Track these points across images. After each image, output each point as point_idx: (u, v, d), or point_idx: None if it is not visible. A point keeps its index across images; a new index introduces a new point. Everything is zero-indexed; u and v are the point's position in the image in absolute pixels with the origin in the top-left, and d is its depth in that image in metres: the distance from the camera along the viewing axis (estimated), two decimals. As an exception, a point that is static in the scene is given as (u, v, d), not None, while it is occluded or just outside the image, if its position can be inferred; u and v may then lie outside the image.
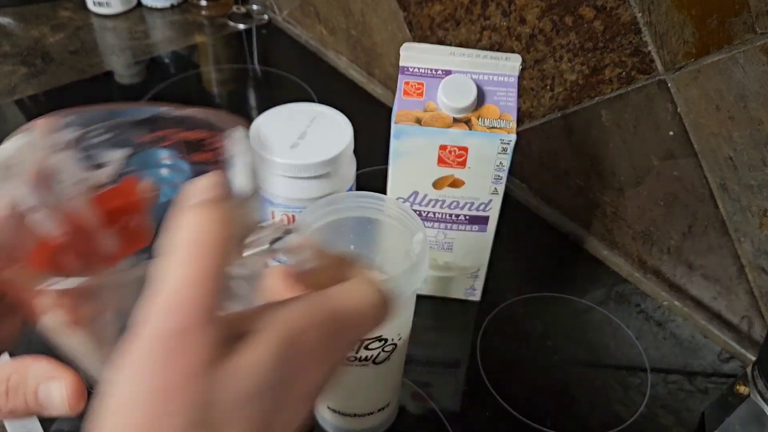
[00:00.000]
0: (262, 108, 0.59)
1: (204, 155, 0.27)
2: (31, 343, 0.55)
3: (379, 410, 0.49)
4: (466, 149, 0.49)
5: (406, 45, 0.51)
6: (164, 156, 0.29)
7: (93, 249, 0.28)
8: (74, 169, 0.27)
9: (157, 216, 0.27)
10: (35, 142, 0.26)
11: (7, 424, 0.51)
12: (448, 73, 0.50)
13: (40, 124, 0.26)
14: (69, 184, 0.27)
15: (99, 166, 0.27)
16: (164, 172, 0.29)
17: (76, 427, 0.51)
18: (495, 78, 0.50)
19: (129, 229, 0.29)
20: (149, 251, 0.28)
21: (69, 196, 0.27)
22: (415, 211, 0.51)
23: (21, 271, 0.23)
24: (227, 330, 0.23)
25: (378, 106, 0.86)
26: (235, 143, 0.26)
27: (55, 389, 0.27)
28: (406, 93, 0.50)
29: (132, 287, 0.22)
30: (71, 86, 0.86)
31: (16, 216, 0.25)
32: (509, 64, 0.50)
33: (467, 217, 0.54)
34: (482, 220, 0.54)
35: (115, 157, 0.27)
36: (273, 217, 0.57)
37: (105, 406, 0.22)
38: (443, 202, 0.53)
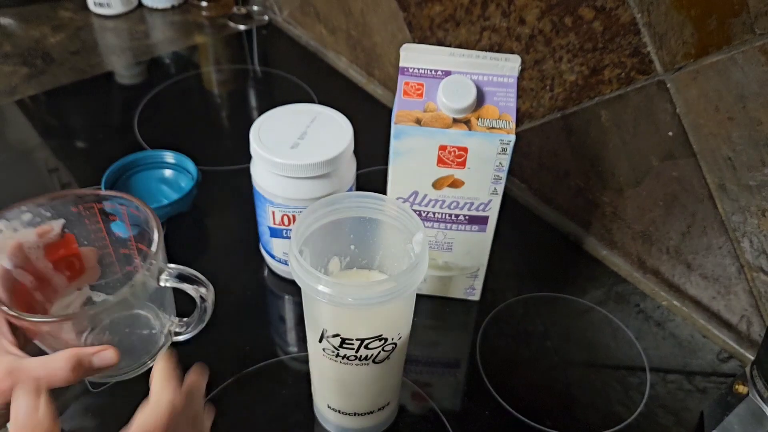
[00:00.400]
0: (262, 108, 0.59)
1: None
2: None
3: (379, 409, 0.49)
4: (465, 149, 0.50)
5: (406, 45, 0.51)
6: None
7: (50, 286, 0.43)
8: (32, 236, 0.42)
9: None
10: (4, 229, 0.41)
11: (8, 424, 0.51)
12: (447, 73, 0.50)
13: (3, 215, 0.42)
14: (31, 249, 0.42)
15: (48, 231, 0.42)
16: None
17: (77, 427, 0.51)
18: (494, 78, 0.50)
19: (72, 267, 0.44)
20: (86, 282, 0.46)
21: (32, 256, 0.42)
22: (415, 211, 0.52)
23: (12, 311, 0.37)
24: None
25: (378, 106, 0.86)
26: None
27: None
28: (406, 93, 0.50)
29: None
30: (72, 86, 0.86)
31: (5, 275, 0.39)
32: (509, 65, 0.50)
33: (467, 217, 0.54)
34: (482, 220, 0.54)
35: (57, 224, 0.43)
36: (273, 218, 0.57)
37: None
38: (443, 202, 0.53)
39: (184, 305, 0.45)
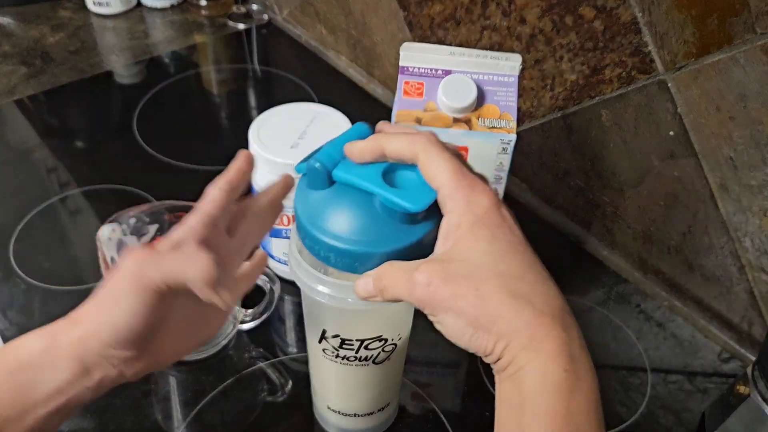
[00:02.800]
0: (262, 108, 0.59)
1: None
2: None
3: (379, 410, 0.49)
4: (466, 149, 0.49)
5: (406, 45, 0.51)
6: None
7: None
8: (134, 240, 0.51)
9: None
10: (116, 229, 0.51)
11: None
12: (448, 73, 0.50)
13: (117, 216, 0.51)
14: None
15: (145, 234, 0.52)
16: None
17: (77, 427, 0.51)
18: (495, 78, 0.50)
19: None
20: None
21: None
22: (415, 211, 0.51)
23: None
24: None
25: (378, 106, 0.86)
26: None
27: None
28: (406, 93, 0.50)
29: None
30: (71, 86, 0.86)
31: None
32: (509, 64, 0.50)
33: (467, 217, 0.54)
34: (482, 220, 0.54)
35: (152, 228, 0.52)
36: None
37: None
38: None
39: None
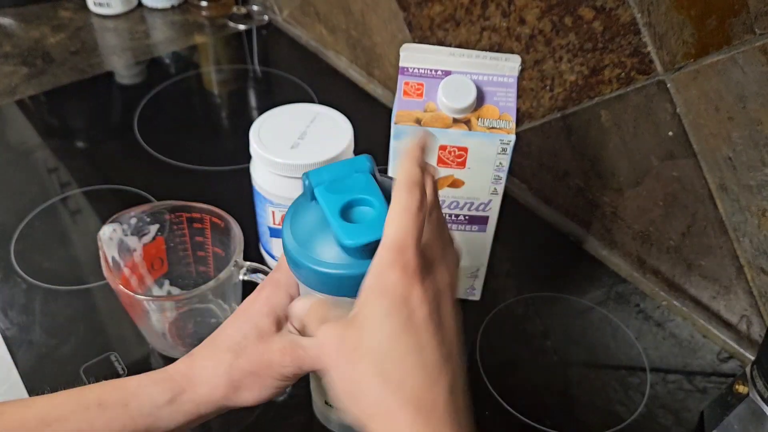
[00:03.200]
0: (262, 108, 0.59)
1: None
2: (31, 343, 0.55)
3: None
4: (465, 149, 0.50)
5: (405, 45, 0.51)
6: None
7: (141, 277, 0.55)
8: (135, 240, 0.53)
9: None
10: (117, 229, 0.51)
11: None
12: (447, 73, 0.50)
13: (118, 216, 0.51)
14: (132, 248, 0.53)
15: (145, 233, 0.53)
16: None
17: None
18: (494, 78, 0.50)
19: (157, 265, 0.56)
20: (167, 275, 0.58)
21: (134, 254, 0.53)
22: (415, 211, 0.51)
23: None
24: None
25: (378, 106, 0.86)
26: None
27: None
28: (406, 93, 0.50)
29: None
30: (72, 86, 0.86)
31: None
32: (509, 65, 0.50)
33: (467, 217, 0.54)
34: (482, 220, 0.54)
35: (153, 228, 0.54)
36: (273, 218, 0.57)
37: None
38: (443, 202, 0.53)
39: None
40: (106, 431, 0.36)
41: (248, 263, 0.52)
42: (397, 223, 0.32)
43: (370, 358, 0.31)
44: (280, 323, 0.39)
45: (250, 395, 0.38)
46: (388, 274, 0.31)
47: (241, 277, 0.52)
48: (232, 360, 0.38)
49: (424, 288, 0.32)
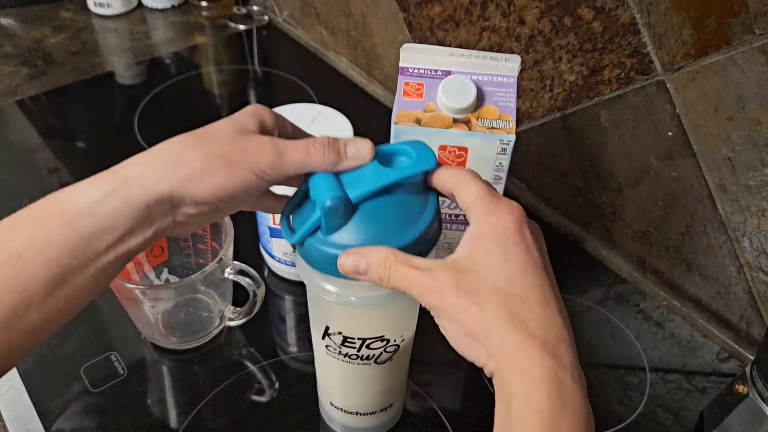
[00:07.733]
0: (263, 108, 0.59)
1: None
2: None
3: (381, 410, 0.49)
4: (465, 149, 0.50)
5: (405, 46, 0.51)
6: None
7: (140, 265, 0.57)
8: None
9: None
10: None
11: (8, 423, 0.51)
12: (447, 73, 0.50)
13: None
14: None
15: None
16: None
17: (77, 426, 0.51)
18: (494, 79, 0.50)
19: (157, 252, 0.57)
20: (167, 263, 0.59)
21: None
22: (415, 211, 0.51)
23: None
24: None
25: (378, 106, 0.86)
26: None
27: (362, 144, 0.38)
28: (406, 93, 0.50)
29: None
30: (72, 87, 0.86)
31: None
32: (508, 65, 0.50)
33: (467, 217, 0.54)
34: (482, 220, 0.54)
35: None
36: (273, 218, 0.57)
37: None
38: (443, 202, 0.53)
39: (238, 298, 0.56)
40: (44, 244, 0.34)
41: (235, 263, 0.52)
42: (480, 180, 0.36)
43: (496, 298, 0.32)
44: (264, 127, 0.39)
45: (212, 181, 0.35)
46: (498, 218, 0.34)
47: (226, 275, 0.52)
48: (197, 143, 0.37)
49: (531, 230, 0.34)
